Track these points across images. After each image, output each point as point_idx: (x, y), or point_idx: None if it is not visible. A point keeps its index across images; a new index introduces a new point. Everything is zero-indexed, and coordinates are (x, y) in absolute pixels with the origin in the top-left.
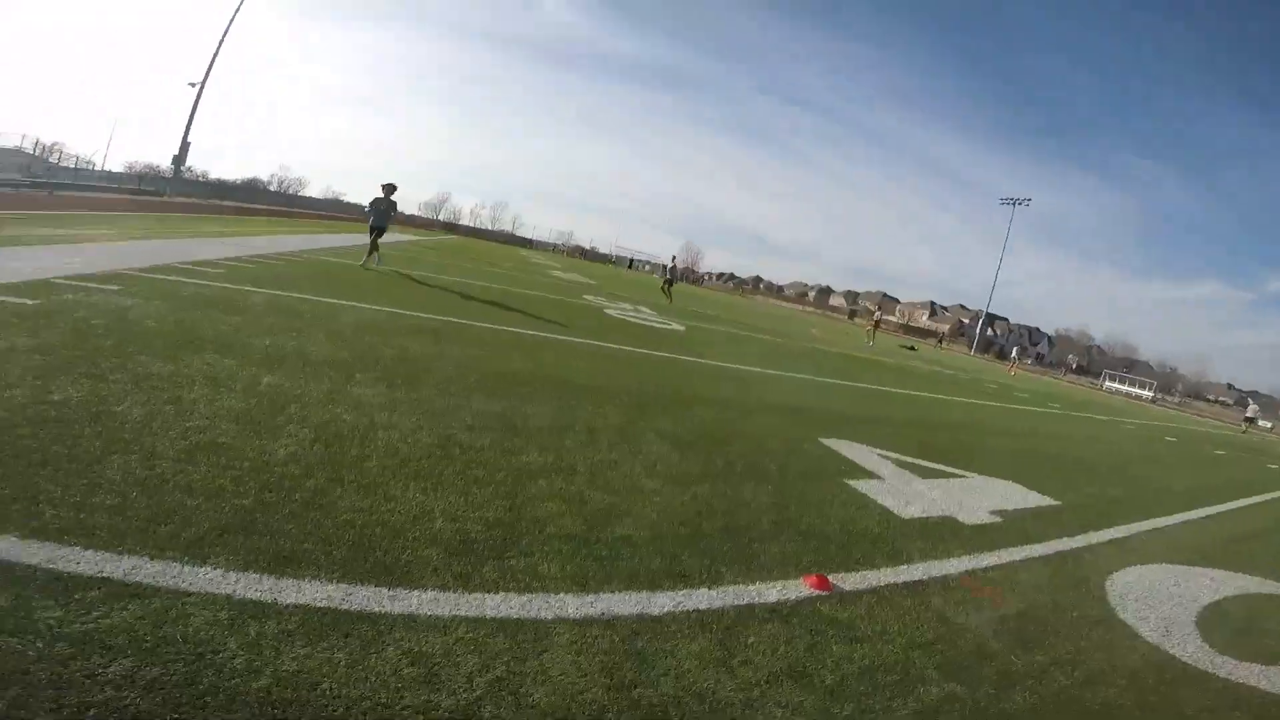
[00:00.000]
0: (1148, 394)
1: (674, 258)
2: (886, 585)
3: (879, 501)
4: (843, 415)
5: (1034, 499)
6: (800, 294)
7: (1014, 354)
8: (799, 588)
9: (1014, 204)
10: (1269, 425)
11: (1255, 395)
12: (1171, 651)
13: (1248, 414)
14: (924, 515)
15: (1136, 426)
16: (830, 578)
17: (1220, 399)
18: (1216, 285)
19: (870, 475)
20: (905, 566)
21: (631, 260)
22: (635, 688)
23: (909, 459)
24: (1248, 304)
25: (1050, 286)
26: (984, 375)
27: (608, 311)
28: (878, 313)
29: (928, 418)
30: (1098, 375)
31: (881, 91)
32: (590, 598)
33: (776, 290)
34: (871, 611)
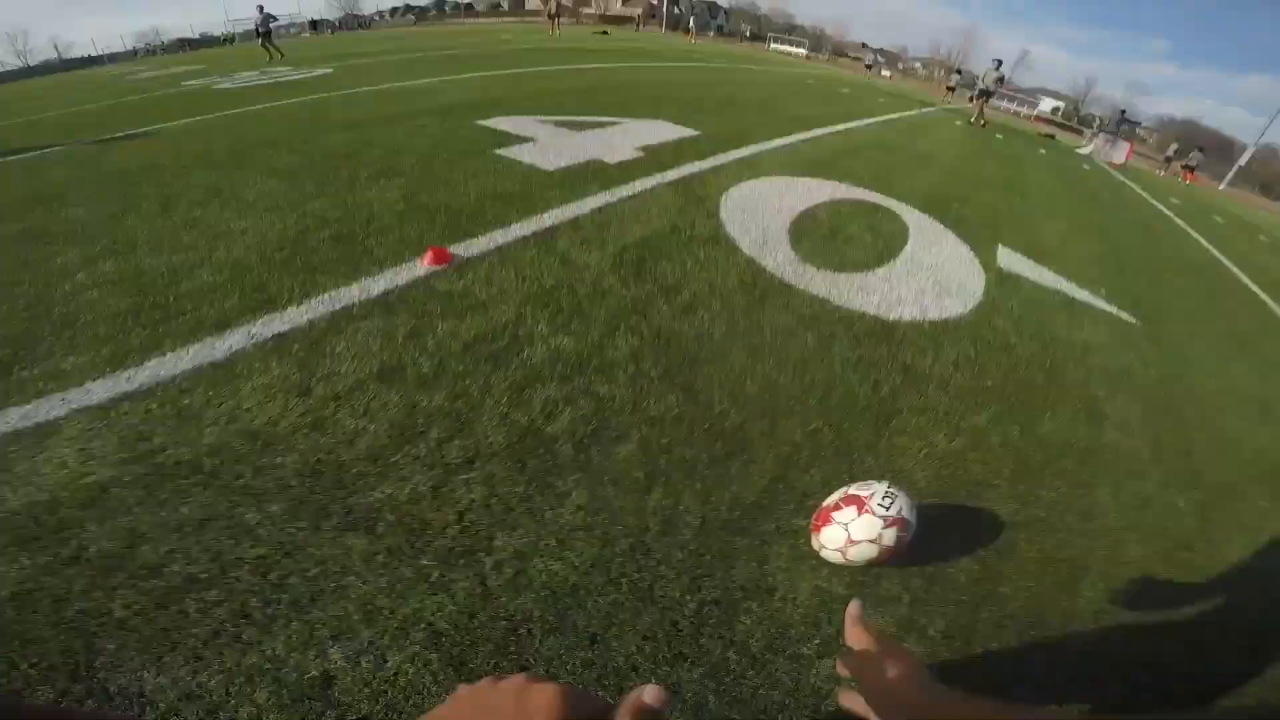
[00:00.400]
0: (802, 51)
1: (260, 7)
2: (514, 241)
3: (525, 162)
4: (507, 98)
5: (678, 132)
6: (493, 6)
7: (691, 25)
8: (413, 269)
9: None
10: (888, 75)
11: (882, 51)
12: (763, 264)
13: (866, 62)
14: (569, 164)
15: (786, 74)
16: (451, 249)
17: (856, 55)
18: None
19: (523, 140)
20: (537, 217)
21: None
22: (162, 452)
23: (568, 118)
24: None
25: None
26: (670, 47)
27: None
28: (551, 3)
29: (601, 83)
30: (765, 40)
31: None
32: (127, 373)
33: (467, 9)
34: (490, 274)
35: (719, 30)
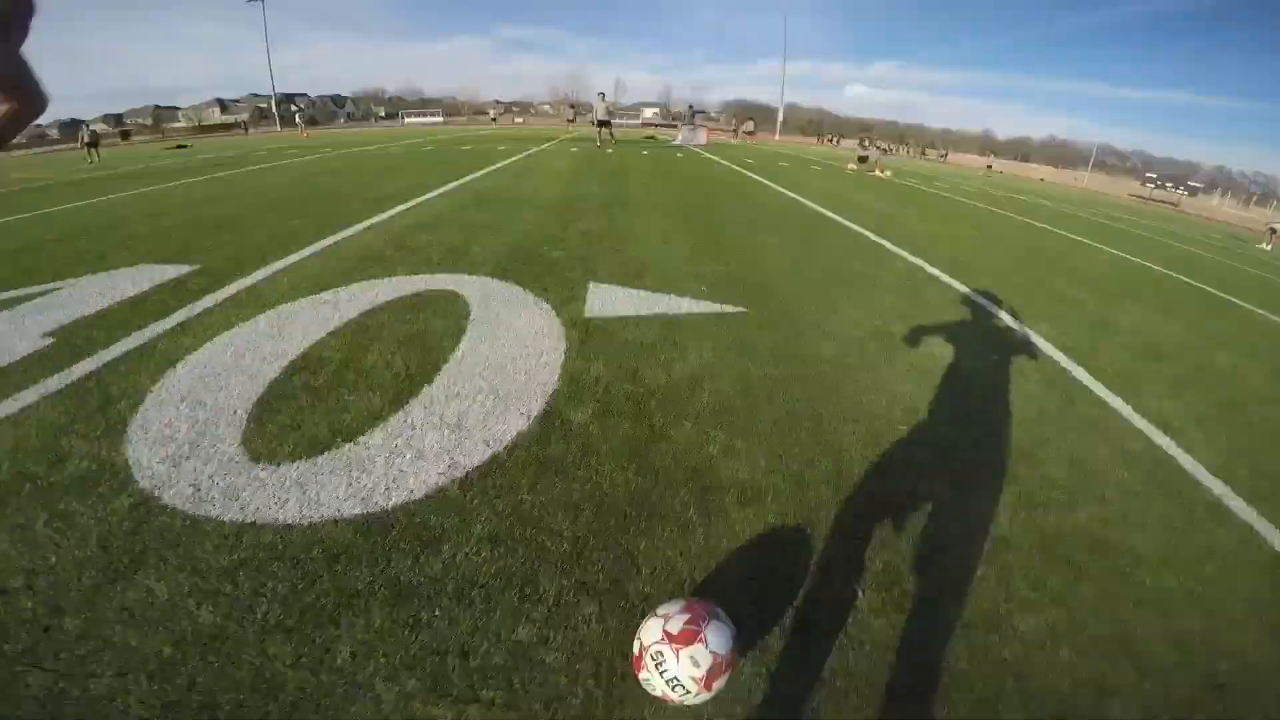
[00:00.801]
0: (438, 120)
1: None
2: None
3: None
4: None
5: (154, 277)
6: (37, 137)
7: (298, 119)
8: None
9: None
10: (520, 120)
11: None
12: (164, 495)
13: (492, 115)
14: None
15: (403, 147)
16: None
17: (490, 113)
18: (469, 39)
19: None
20: None
21: None
22: None
23: None
24: (496, 46)
25: (340, 59)
26: (272, 148)
27: None
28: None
29: (71, 227)
30: (399, 117)
31: None
32: None
33: None
34: None
35: (348, 117)
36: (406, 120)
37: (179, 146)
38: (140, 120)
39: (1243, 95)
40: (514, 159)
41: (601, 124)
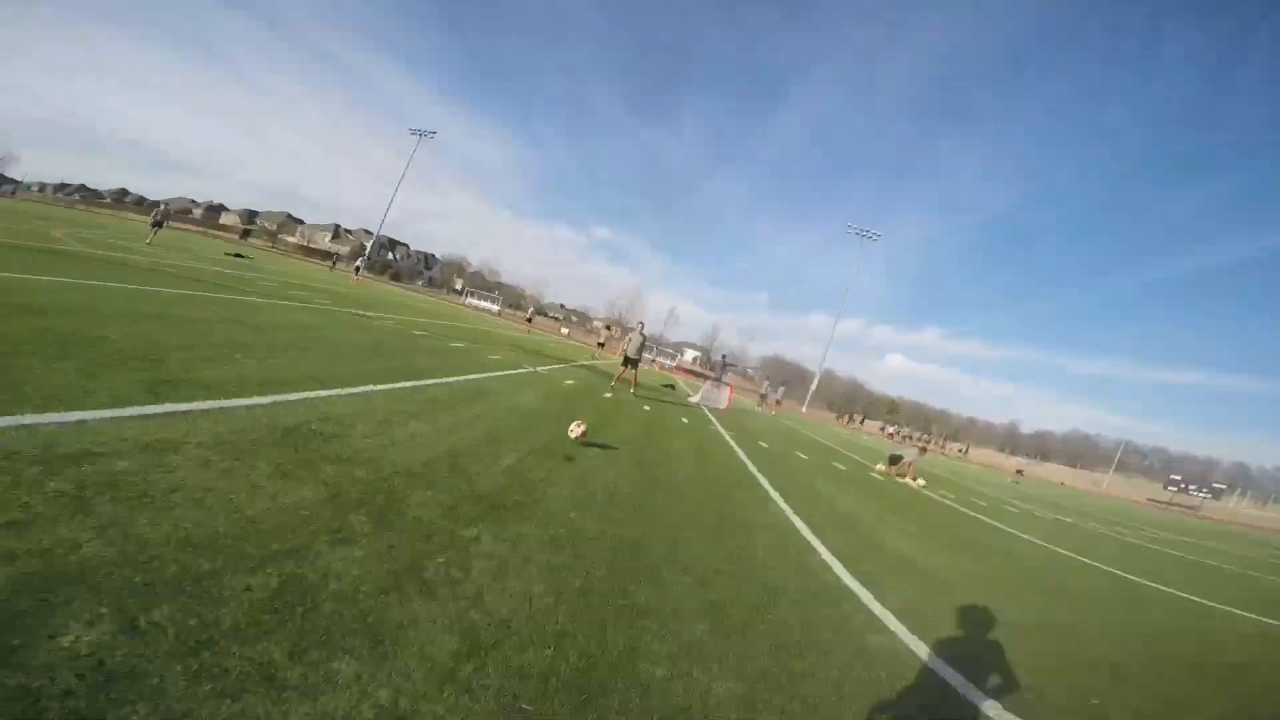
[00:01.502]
0: (495, 307)
1: None
2: None
3: None
4: None
5: None
6: (182, 210)
7: (357, 264)
8: None
9: (420, 135)
10: (566, 332)
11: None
12: None
13: (526, 315)
14: None
15: (406, 325)
16: None
17: (554, 315)
18: (566, 230)
19: None
20: None
21: None
22: None
23: None
24: (584, 245)
25: (454, 219)
26: (331, 285)
27: None
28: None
29: None
30: (463, 293)
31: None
32: None
33: (145, 205)
34: None
35: (429, 282)
36: (468, 300)
37: (236, 255)
38: (267, 224)
39: (1262, 374)
40: (470, 377)
41: (630, 361)
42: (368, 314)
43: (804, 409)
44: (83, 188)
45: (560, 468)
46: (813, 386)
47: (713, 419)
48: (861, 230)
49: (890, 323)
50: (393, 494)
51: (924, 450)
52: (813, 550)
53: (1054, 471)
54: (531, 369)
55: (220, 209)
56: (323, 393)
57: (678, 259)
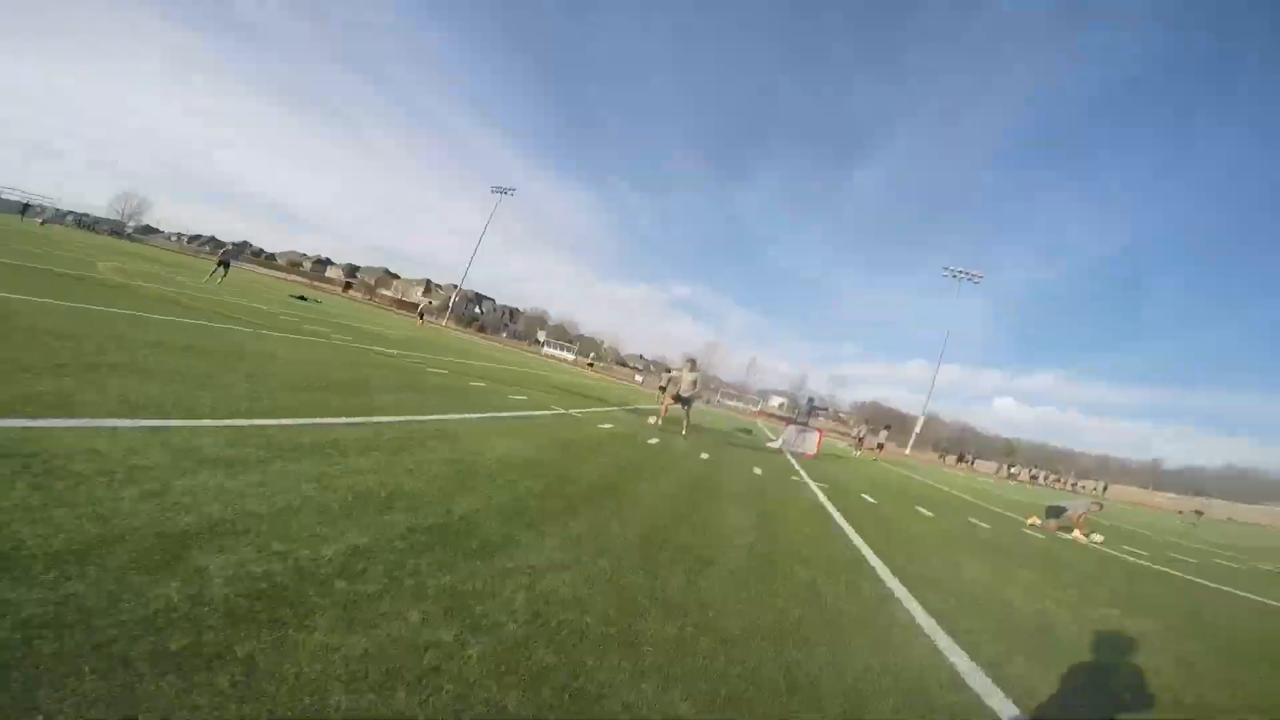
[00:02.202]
0: (571, 356)
1: None
2: None
3: None
4: None
5: None
6: (293, 264)
7: (420, 309)
8: None
9: (502, 193)
10: (640, 380)
11: (658, 364)
12: None
13: (589, 360)
14: None
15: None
16: None
17: (635, 366)
18: (646, 288)
19: None
20: None
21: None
22: None
23: None
24: (663, 301)
25: (537, 278)
26: (389, 330)
27: None
28: (221, 255)
29: None
30: (541, 343)
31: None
32: None
33: (264, 257)
34: None
35: (513, 335)
36: (545, 350)
37: (299, 298)
38: (366, 278)
39: None
40: (447, 417)
41: (681, 400)
42: (391, 351)
43: (908, 451)
44: (213, 239)
45: (478, 570)
46: (917, 429)
47: (796, 467)
48: (960, 272)
49: (997, 367)
50: None
51: (1100, 505)
52: None
53: (1226, 509)
54: (563, 411)
55: (327, 263)
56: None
57: (761, 313)
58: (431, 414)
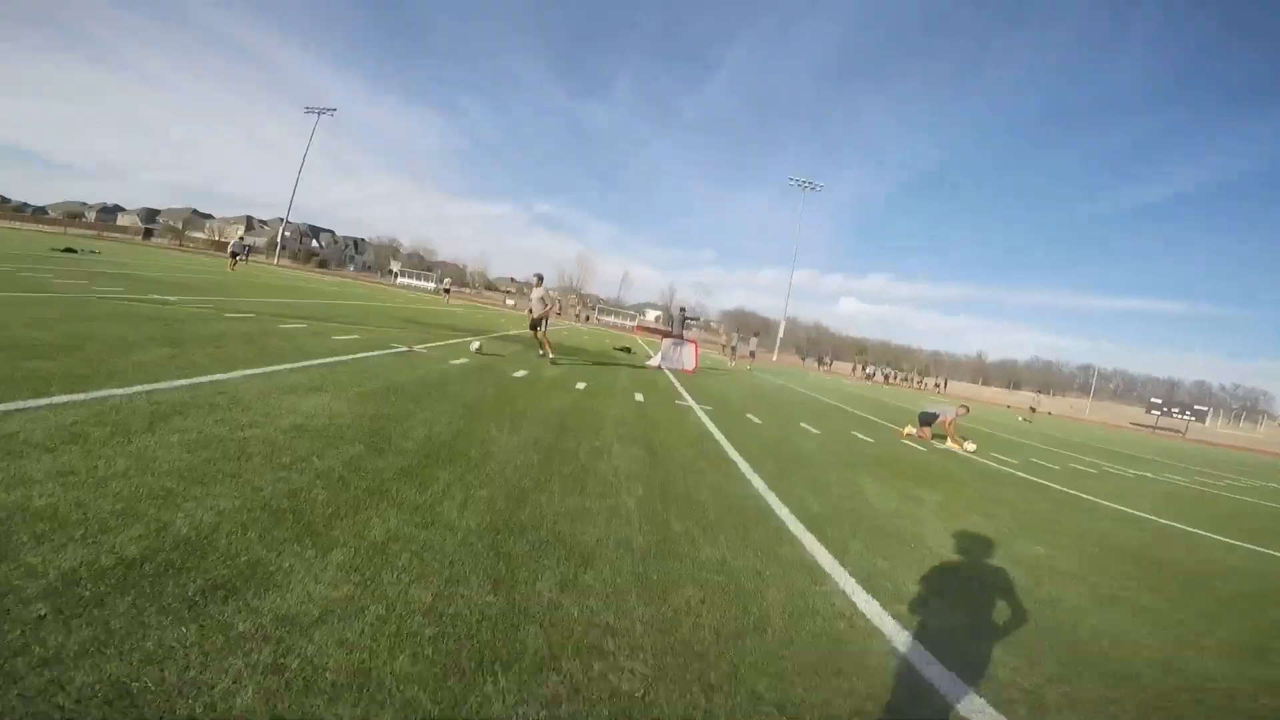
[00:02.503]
0: (430, 285)
1: None
2: None
3: None
4: None
5: None
6: (72, 215)
7: (231, 250)
8: None
9: (319, 113)
10: (512, 304)
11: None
12: None
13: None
14: None
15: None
16: None
17: (507, 290)
18: (505, 206)
19: None
20: None
21: None
22: None
23: None
24: (525, 219)
25: (386, 203)
26: (181, 275)
27: None
28: None
29: None
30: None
31: None
32: None
33: (29, 212)
34: None
35: (362, 267)
36: (399, 280)
37: (67, 250)
38: (171, 222)
39: (1215, 299)
40: (197, 380)
41: (533, 324)
42: (170, 299)
43: (774, 357)
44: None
45: (184, 640)
46: (779, 334)
47: (679, 388)
48: (804, 182)
49: (840, 271)
50: None
51: (967, 409)
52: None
53: (1045, 403)
54: (404, 349)
55: (116, 210)
56: None
57: (623, 225)
58: (203, 375)
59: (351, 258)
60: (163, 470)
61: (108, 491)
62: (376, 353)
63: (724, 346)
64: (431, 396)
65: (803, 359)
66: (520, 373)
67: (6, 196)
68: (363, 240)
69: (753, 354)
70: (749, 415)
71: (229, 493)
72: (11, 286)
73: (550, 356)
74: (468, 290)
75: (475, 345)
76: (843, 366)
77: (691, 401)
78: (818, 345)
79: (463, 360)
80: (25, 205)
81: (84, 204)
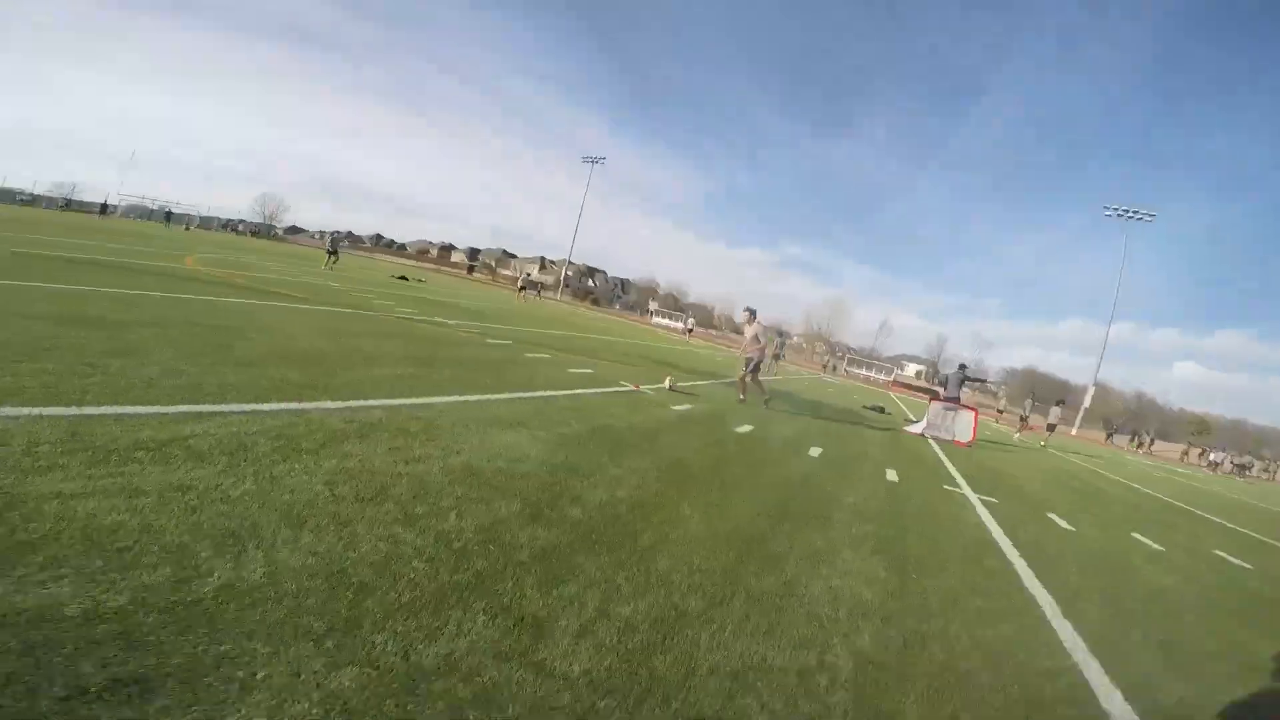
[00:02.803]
0: (680, 325)
1: None
2: None
3: None
4: None
5: None
6: (421, 251)
7: (520, 285)
8: None
9: (593, 162)
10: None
11: (771, 327)
12: None
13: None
14: None
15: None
16: None
17: (688, 323)
18: (758, 250)
19: None
20: None
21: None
22: None
23: None
24: (775, 263)
25: (646, 245)
26: (480, 303)
27: None
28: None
29: None
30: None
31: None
32: None
33: (395, 248)
34: None
35: (626, 305)
36: (653, 320)
37: (401, 278)
38: (487, 260)
39: None
40: (441, 400)
41: (745, 364)
42: (449, 322)
43: (1074, 431)
44: (349, 233)
45: None
46: (1085, 402)
47: (947, 464)
48: (1126, 211)
49: (1173, 324)
50: None
51: None
52: None
53: None
54: (631, 388)
55: (450, 248)
56: None
57: (886, 270)
58: (424, 396)
59: (618, 296)
60: (276, 503)
61: (186, 519)
62: (600, 390)
63: (1008, 413)
64: (636, 448)
65: (1107, 435)
66: (745, 428)
67: (381, 234)
68: (628, 280)
69: (1051, 426)
70: (1051, 515)
71: (307, 547)
72: (340, 303)
73: (764, 400)
74: (713, 332)
75: (667, 383)
76: (1166, 448)
77: (966, 488)
78: (1136, 419)
79: (686, 406)
80: (392, 242)
81: (429, 242)
